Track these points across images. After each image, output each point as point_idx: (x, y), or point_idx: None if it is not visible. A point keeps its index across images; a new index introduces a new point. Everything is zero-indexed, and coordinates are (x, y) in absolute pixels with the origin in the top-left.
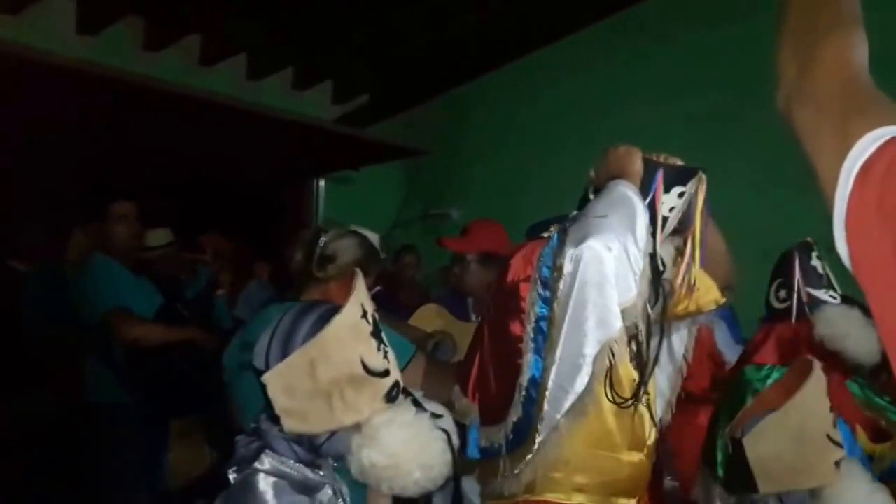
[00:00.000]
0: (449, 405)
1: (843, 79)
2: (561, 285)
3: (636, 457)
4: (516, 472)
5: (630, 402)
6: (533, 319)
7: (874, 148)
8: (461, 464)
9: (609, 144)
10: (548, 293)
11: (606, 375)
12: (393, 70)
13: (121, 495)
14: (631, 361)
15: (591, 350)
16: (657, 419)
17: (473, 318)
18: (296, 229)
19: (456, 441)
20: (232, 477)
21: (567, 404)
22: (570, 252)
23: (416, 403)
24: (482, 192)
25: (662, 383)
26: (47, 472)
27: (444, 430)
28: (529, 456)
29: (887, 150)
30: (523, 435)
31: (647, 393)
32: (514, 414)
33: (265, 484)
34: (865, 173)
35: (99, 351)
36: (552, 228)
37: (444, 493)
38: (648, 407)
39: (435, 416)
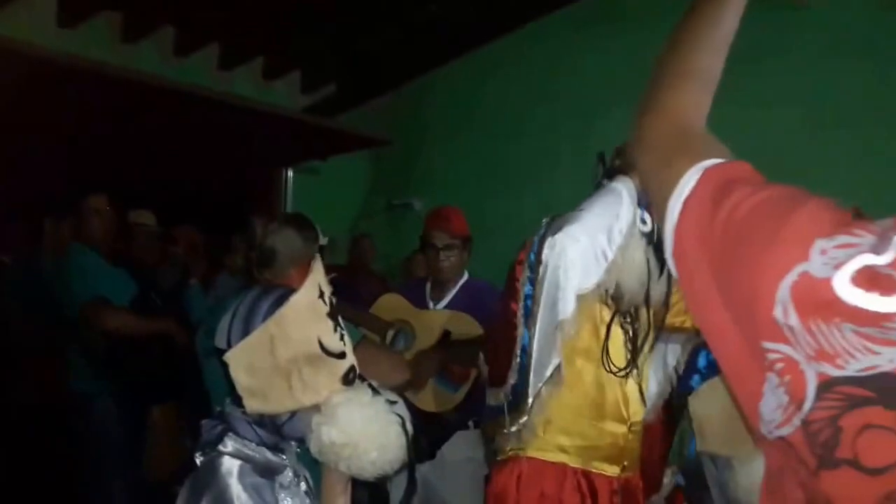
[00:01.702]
0: (397, 391)
1: (675, 126)
2: (541, 269)
3: (619, 428)
4: (514, 429)
5: (624, 370)
6: (522, 297)
7: (693, 181)
8: (416, 450)
9: (573, 132)
10: (533, 275)
11: (603, 349)
12: (359, 59)
13: (100, 482)
14: (626, 345)
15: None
16: (647, 399)
17: (431, 304)
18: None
19: (410, 428)
20: (198, 460)
21: (547, 374)
22: (548, 239)
23: (372, 388)
24: (445, 181)
25: (652, 387)
26: (28, 458)
27: (399, 416)
28: (524, 418)
29: (702, 182)
30: (519, 396)
31: (639, 374)
32: (512, 378)
33: (229, 466)
34: (686, 205)
35: (78, 340)
36: (545, 219)
37: (400, 479)
38: (639, 386)
39: (390, 401)
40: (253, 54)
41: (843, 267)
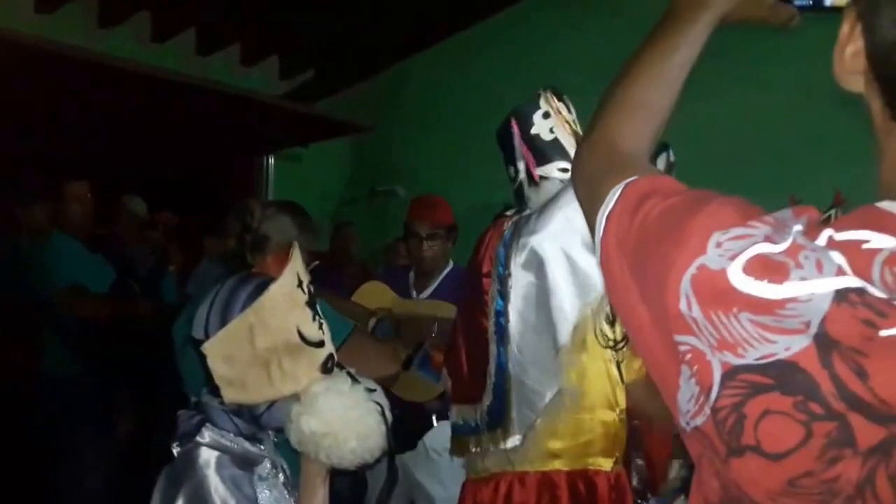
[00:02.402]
0: (386, 382)
1: (607, 154)
2: (511, 282)
3: (609, 416)
4: (501, 447)
5: (622, 343)
6: (493, 313)
7: (616, 196)
8: (397, 440)
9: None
10: (503, 288)
11: (595, 324)
12: (338, 45)
13: (75, 464)
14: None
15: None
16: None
17: (414, 294)
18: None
19: (389, 415)
20: (175, 451)
21: (545, 402)
22: (516, 246)
23: (351, 376)
24: (426, 167)
25: None
26: (6, 442)
27: (379, 404)
28: (511, 442)
29: (623, 195)
30: (499, 416)
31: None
32: (487, 399)
33: (206, 457)
34: (608, 219)
35: (54, 325)
36: (506, 222)
37: (379, 469)
38: (619, 368)
39: (368, 390)
40: (230, 40)
41: (738, 257)
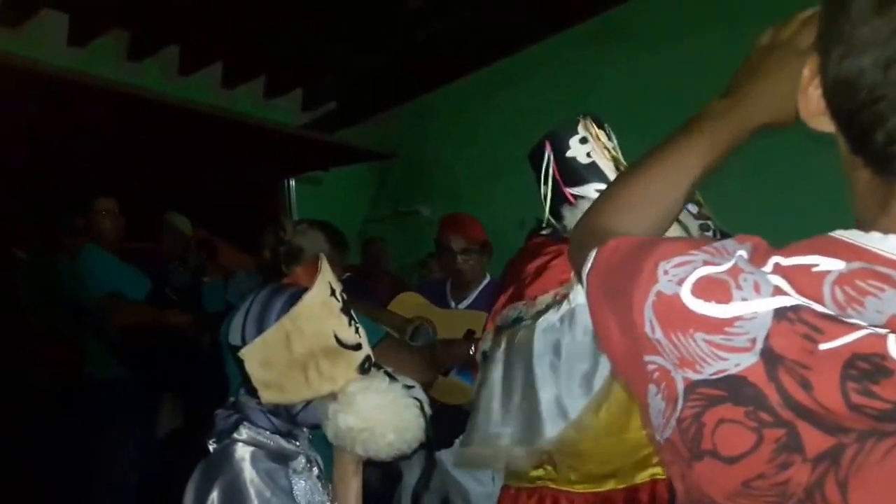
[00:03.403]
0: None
1: (594, 233)
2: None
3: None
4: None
5: None
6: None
7: (591, 258)
8: (434, 434)
9: None
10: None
11: None
12: (359, 79)
13: (115, 465)
14: None
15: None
16: None
17: (452, 304)
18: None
19: (428, 410)
20: (211, 447)
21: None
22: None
23: (389, 375)
24: (448, 194)
25: None
26: (46, 443)
27: (417, 399)
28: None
29: (599, 252)
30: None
31: None
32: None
33: (242, 452)
34: (588, 275)
35: (95, 332)
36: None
37: (416, 462)
38: None
39: (407, 387)
40: (255, 74)
41: (684, 282)
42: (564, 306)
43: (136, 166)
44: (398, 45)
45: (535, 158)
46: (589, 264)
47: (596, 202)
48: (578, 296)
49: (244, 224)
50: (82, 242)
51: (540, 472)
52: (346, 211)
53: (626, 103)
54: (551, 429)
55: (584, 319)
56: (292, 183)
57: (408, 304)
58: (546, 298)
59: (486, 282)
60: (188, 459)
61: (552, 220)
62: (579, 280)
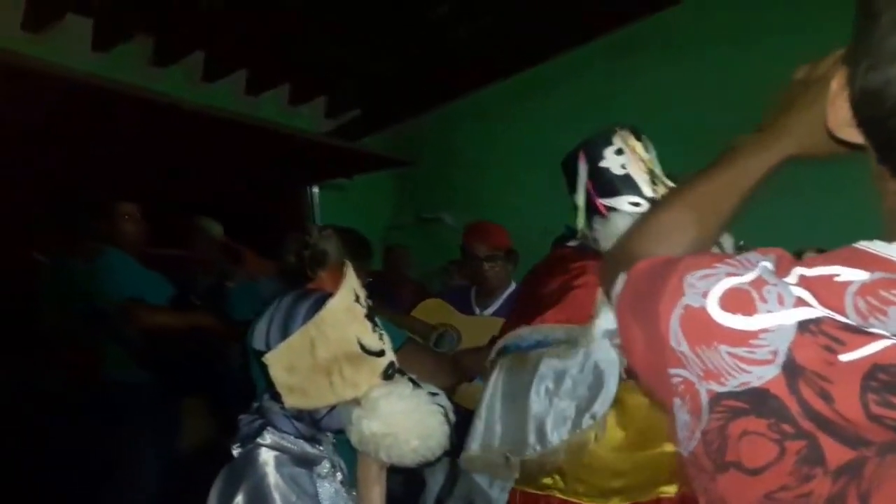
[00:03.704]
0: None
1: (623, 253)
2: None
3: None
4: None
5: None
6: None
7: (622, 281)
8: (457, 441)
9: None
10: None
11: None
12: (382, 87)
13: (135, 468)
14: None
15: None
16: None
17: (477, 311)
18: (293, 232)
19: (452, 417)
20: (236, 452)
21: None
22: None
23: (413, 381)
24: (470, 202)
25: None
26: (65, 446)
27: (442, 406)
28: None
29: (629, 275)
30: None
31: None
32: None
33: (266, 457)
34: (618, 297)
35: (115, 336)
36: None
37: (440, 469)
38: None
39: (431, 394)
40: (279, 81)
41: (709, 294)
42: (577, 350)
43: (159, 172)
44: (421, 53)
45: (569, 167)
46: (619, 287)
47: (630, 229)
48: (593, 340)
49: (266, 231)
50: (103, 247)
51: (549, 480)
52: (369, 218)
53: (649, 114)
54: (532, 446)
55: (593, 359)
56: (315, 190)
57: (433, 310)
58: (559, 333)
59: (511, 289)
60: (214, 466)
61: (583, 231)
62: (608, 300)
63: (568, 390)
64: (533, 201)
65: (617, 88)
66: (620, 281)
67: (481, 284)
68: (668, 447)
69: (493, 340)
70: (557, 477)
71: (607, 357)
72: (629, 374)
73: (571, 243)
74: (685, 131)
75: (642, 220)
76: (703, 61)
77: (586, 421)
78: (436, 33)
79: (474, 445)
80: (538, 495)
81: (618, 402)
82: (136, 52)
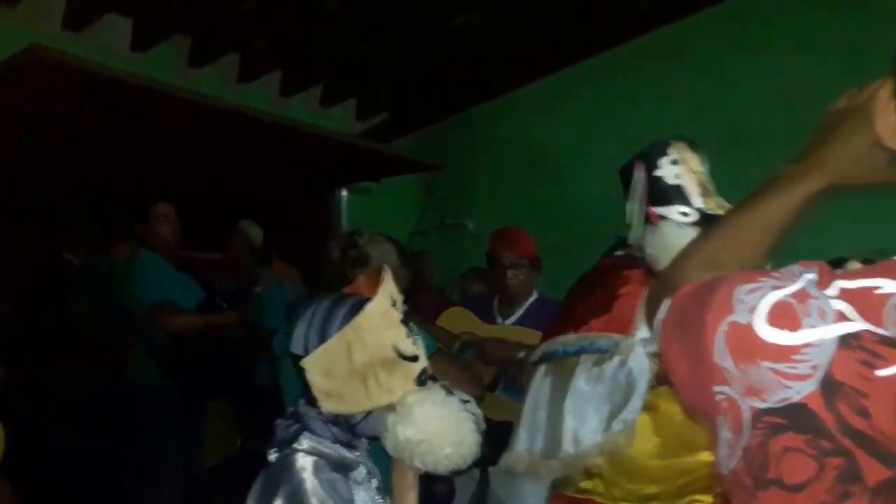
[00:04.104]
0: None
1: (668, 282)
2: None
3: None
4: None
5: None
6: None
7: (666, 305)
8: (488, 450)
9: (619, 164)
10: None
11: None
12: (412, 90)
13: (159, 471)
14: None
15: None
16: None
17: (499, 320)
18: (319, 236)
19: (482, 425)
20: (272, 457)
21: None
22: None
23: (445, 388)
24: (495, 206)
25: None
26: (90, 449)
27: (473, 413)
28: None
29: (671, 304)
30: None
31: None
32: None
33: (303, 462)
34: (663, 322)
35: (142, 339)
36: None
37: (470, 479)
38: None
39: (463, 401)
40: (312, 83)
41: (757, 309)
42: (615, 359)
43: (192, 172)
44: (447, 58)
45: (626, 175)
46: (664, 312)
47: (676, 260)
48: (632, 352)
49: (293, 233)
50: (136, 248)
51: (589, 484)
52: (394, 222)
53: (673, 121)
54: (567, 448)
55: (628, 366)
56: (343, 193)
57: (456, 319)
58: (603, 342)
59: (533, 298)
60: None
61: (633, 239)
62: (650, 327)
63: (602, 395)
64: (553, 207)
65: (641, 95)
66: (664, 306)
67: (504, 293)
68: (703, 456)
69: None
70: (598, 481)
71: (640, 365)
72: (659, 381)
73: (618, 253)
74: (711, 139)
75: (687, 252)
76: (721, 71)
77: (616, 425)
78: (461, 39)
79: (518, 447)
80: (578, 499)
81: (654, 409)
82: (172, 52)
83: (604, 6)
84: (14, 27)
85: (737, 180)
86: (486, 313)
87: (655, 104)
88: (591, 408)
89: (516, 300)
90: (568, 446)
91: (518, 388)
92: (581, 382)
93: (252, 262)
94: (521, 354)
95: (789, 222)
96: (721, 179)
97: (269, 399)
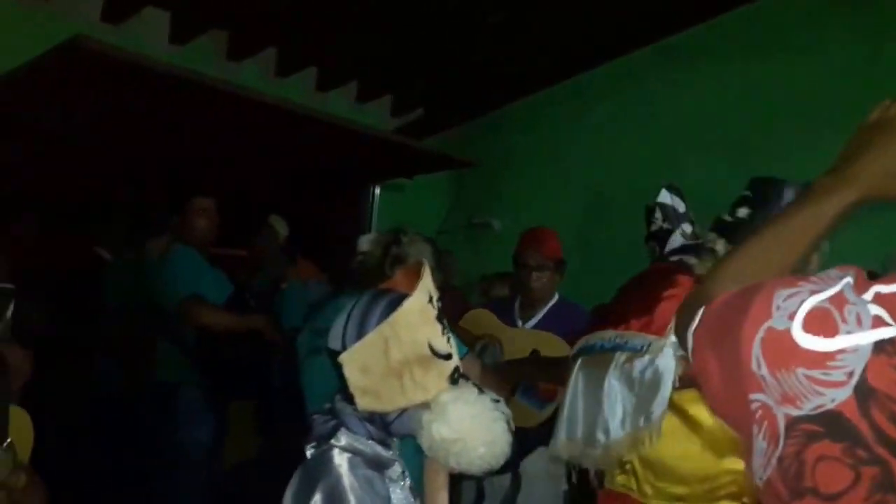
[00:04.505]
0: None
1: (702, 294)
2: None
3: (740, 465)
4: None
5: None
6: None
7: (699, 315)
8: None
9: (647, 165)
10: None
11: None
12: (447, 87)
13: (182, 469)
14: None
15: None
16: None
17: (520, 323)
18: (349, 232)
19: (512, 426)
20: (309, 453)
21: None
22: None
23: (477, 387)
24: (523, 205)
25: None
26: (115, 446)
27: (504, 413)
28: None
29: (704, 313)
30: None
31: None
32: None
33: (340, 458)
34: (694, 332)
35: (172, 335)
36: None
37: (502, 478)
38: None
39: (494, 400)
40: (348, 78)
41: (796, 316)
42: (645, 358)
43: (225, 167)
44: (481, 57)
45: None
46: (696, 322)
47: (709, 272)
48: (661, 352)
49: (324, 228)
50: (171, 243)
51: (624, 479)
52: (422, 220)
53: (705, 121)
54: (599, 438)
55: (656, 364)
56: (377, 190)
57: (479, 321)
58: (638, 341)
59: (553, 301)
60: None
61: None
62: (681, 342)
63: (629, 391)
64: (577, 209)
65: (671, 94)
66: (698, 316)
67: (526, 294)
68: (728, 463)
69: (535, 353)
70: (631, 477)
71: (667, 364)
72: (684, 384)
73: (673, 258)
74: (741, 138)
75: (721, 264)
76: (748, 72)
77: (642, 421)
78: (496, 37)
79: (560, 436)
80: (617, 493)
81: (682, 413)
82: (210, 46)
83: (633, 7)
84: (53, 20)
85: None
86: (508, 315)
87: (681, 104)
88: (620, 402)
89: (537, 303)
90: (601, 436)
91: (539, 396)
92: (613, 378)
93: (277, 257)
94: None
95: (822, 234)
96: (741, 184)
97: (286, 400)
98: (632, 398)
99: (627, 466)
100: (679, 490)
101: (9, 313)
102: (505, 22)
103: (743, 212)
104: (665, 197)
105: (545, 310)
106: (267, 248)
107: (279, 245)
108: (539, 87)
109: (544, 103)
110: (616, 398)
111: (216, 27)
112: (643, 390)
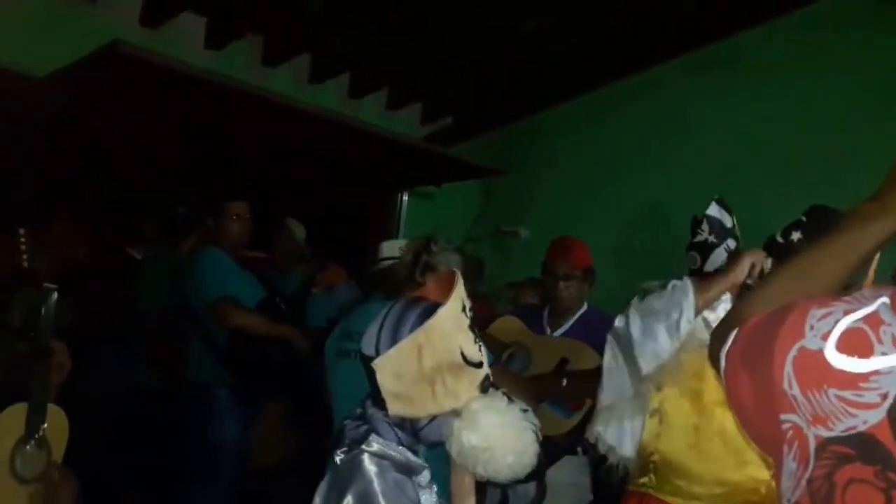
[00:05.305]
0: None
1: (737, 316)
2: None
3: (762, 474)
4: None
5: None
6: None
7: (732, 336)
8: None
9: (677, 176)
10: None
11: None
12: (477, 95)
13: (210, 469)
14: None
15: None
16: None
17: (548, 331)
18: (378, 239)
19: (540, 436)
20: (339, 458)
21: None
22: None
23: (507, 396)
24: (551, 214)
25: None
26: (145, 442)
27: (533, 423)
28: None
29: (737, 334)
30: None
31: None
32: None
33: (370, 463)
34: (727, 353)
35: (204, 335)
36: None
37: (527, 486)
38: None
39: (523, 410)
40: (380, 85)
41: (829, 336)
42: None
43: (255, 171)
44: (512, 65)
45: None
46: (729, 343)
47: (746, 296)
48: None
49: (351, 234)
50: (203, 244)
51: (645, 479)
52: (450, 227)
53: (738, 133)
54: (644, 369)
55: (674, 285)
56: (405, 197)
57: (508, 328)
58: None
59: (583, 310)
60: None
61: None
62: (713, 362)
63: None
64: (605, 219)
65: (701, 106)
66: (731, 337)
67: (554, 303)
68: (752, 470)
69: (563, 362)
70: (652, 476)
71: (685, 283)
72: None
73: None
74: (759, 148)
75: (759, 288)
76: (778, 85)
77: (676, 333)
78: (527, 46)
79: (606, 396)
80: (636, 492)
81: (708, 413)
82: (246, 51)
83: (665, 17)
84: (93, 23)
85: (784, 194)
86: (537, 324)
87: (710, 115)
88: (658, 324)
89: (566, 312)
90: (646, 366)
91: (567, 405)
92: (653, 299)
93: (292, 259)
94: (564, 383)
95: (861, 260)
96: (769, 194)
97: (318, 402)
98: (665, 318)
99: (650, 465)
100: (697, 489)
101: (53, 312)
102: (535, 31)
103: (796, 236)
104: (714, 210)
105: (574, 318)
106: (285, 250)
107: (298, 247)
108: (569, 96)
109: (574, 112)
110: (654, 321)
111: (251, 33)
112: (672, 307)
